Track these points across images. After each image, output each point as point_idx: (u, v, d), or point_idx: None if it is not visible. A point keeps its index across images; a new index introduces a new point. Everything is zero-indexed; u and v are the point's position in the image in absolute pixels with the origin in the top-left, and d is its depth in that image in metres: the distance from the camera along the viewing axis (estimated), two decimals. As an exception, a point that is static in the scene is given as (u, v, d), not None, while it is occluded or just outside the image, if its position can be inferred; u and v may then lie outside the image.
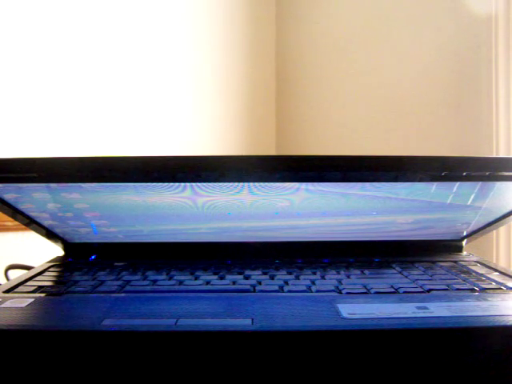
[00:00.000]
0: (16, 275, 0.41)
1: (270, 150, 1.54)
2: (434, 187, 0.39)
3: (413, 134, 1.05)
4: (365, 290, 0.34)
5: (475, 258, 0.45)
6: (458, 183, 0.38)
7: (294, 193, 0.39)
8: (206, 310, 0.30)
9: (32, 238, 0.51)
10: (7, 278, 0.52)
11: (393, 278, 0.38)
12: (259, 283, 0.36)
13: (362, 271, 0.40)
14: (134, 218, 0.42)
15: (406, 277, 0.38)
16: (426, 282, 0.36)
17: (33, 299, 0.32)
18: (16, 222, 0.43)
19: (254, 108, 1.52)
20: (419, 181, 0.38)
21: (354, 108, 1.24)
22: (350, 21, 1.26)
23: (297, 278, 0.38)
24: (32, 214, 0.41)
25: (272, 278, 0.38)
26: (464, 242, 0.47)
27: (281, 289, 0.35)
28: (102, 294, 0.34)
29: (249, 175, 0.37)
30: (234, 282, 0.36)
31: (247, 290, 0.35)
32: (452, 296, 0.33)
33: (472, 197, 0.40)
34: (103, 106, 1.24)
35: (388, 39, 1.13)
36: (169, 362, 0.27)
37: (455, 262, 0.43)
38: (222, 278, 0.38)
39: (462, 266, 0.42)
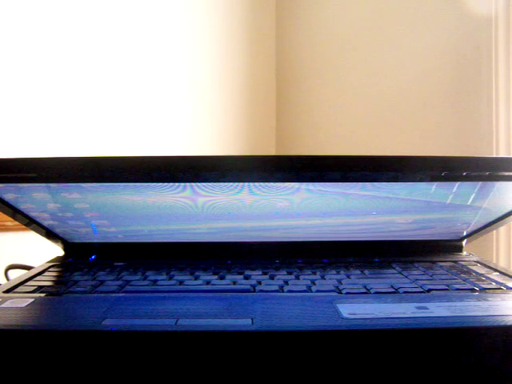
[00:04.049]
0: (16, 275, 0.41)
1: (270, 150, 1.54)
2: (433, 187, 0.39)
3: (413, 134, 1.05)
4: (365, 290, 0.34)
5: (475, 258, 0.45)
6: (458, 183, 0.38)
7: (293, 193, 0.39)
8: (205, 310, 0.30)
9: (32, 237, 0.51)
10: (7, 278, 0.52)
11: (393, 277, 0.38)
12: (259, 283, 0.36)
13: (362, 271, 0.40)
14: (134, 218, 0.42)
15: (406, 277, 0.38)
16: (426, 282, 0.36)
17: (33, 299, 0.32)
18: (16, 222, 0.43)
19: (254, 108, 1.52)
20: (419, 181, 0.38)
21: (353, 108, 1.24)
22: (349, 21, 1.26)
23: (297, 277, 0.38)
24: (32, 214, 0.41)
25: (272, 277, 0.38)
26: (464, 242, 0.47)
27: (281, 289, 0.35)
28: (102, 294, 0.34)
29: (249, 175, 0.37)
30: (234, 282, 0.36)
31: (247, 290, 0.35)
32: (452, 296, 0.33)
33: (472, 197, 0.40)
34: (103, 106, 1.24)
35: (388, 40, 1.13)
36: (169, 361, 0.27)
37: (455, 262, 0.43)
38: (222, 278, 0.38)
39: (462, 266, 0.42)
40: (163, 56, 1.35)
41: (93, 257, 0.45)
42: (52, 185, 0.38)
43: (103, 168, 0.36)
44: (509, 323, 0.28)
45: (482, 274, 0.39)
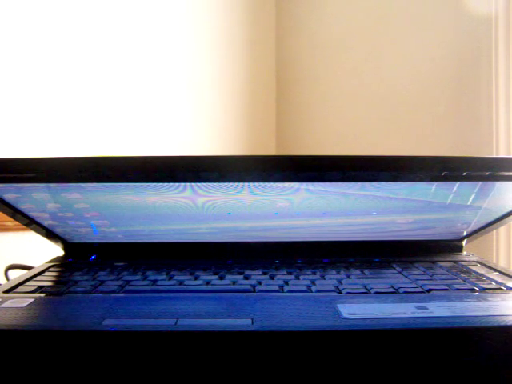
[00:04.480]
0: (16, 275, 0.41)
1: (270, 150, 1.54)
2: (433, 187, 0.39)
3: (413, 134, 1.05)
4: (365, 290, 0.34)
5: (475, 258, 0.45)
6: (458, 183, 0.38)
7: (293, 193, 0.39)
8: (205, 310, 0.30)
9: (32, 237, 0.51)
10: (7, 278, 0.52)
11: (393, 277, 0.38)
12: (259, 283, 0.36)
13: (362, 271, 0.40)
14: (134, 218, 0.42)
15: (406, 277, 0.38)
16: (426, 282, 0.36)
17: (33, 299, 0.32)
18: (16, 222, 0.43)
19: (254, 108, 1.52)
20: (419, 181, 0.38)
21: (353, 108, 1.24)
22: (350, 21, 1.26)
23: (297, 278, 0.38)
24: (32, 213, 0.41)
25: (272, 277, 0.38)
26: (464, 242, 0.47)
27: (281, 289, 0.35)
28: (102, 294, 0.34)
29: (249, 175, 0.37)
30: (234, 282, 0.36)
31: (247, 290, 0.35)
32: (452, 296, 0.33)
33: (472, 197, 0.40)
34: (103, 106, 1.24)
35: (387, 40, 1.13)
36: (169, 361, 0.27)
37: (455, 262, 0.43)
38: (221, 278, 0.38)
39: (462, 265, 0.42)
40: (163, 56, 1.35)
41: (93, 257, 0.45)
42: (52, 185, 0.38)
43: (103, 168, 0.36)
44: (509, 323, 0.28)
45: (482, 274, 0.39)
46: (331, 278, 0.38)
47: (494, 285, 0.36)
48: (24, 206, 0.41)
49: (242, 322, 0.28)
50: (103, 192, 0.39)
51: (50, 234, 0.45)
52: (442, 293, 0.34)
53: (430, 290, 0.34)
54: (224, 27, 1.46)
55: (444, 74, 0.98)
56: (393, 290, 0.34)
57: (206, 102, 1.42)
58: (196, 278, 0.38)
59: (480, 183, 0.38)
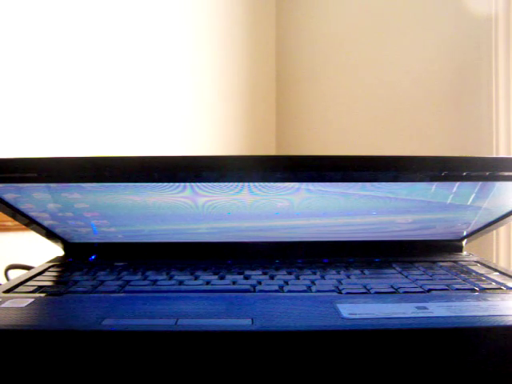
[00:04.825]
0: (16, 275, 0.41)
1: (270, 150, 1.54)
2: (433, 187, 0.39)
3: (413, 134, 1.05)
4: (365, 290, 0.34)
5: (475, 258, 0.45)
6: (458, 183, 0.38)
7: (293, 193, 0.39)
8: (206, 310, 0.30)
9: (32, 238, 0.51)
10: (7, 278, 0.52)
11: (393, 277, 0.38)
12: (259, 283, 0.36)
13: (362, 271, 0.40)
14: (134, 218, 0.42)
15: (406, 277, 0.38)
16: (425, 282, 0.36)
17: (33, 299, 0.32)
18: (16, 222, 0.43)
19: (254, 108, 1.52)
20: (419, 181, 0.38)
21: (354, 108, 1.24)
22: (350, 21, 1.26)
23: (297, 278, 0.38)
24: (32, 213, 0.41)
25: (272, 278, 0.38)
26: (464, 242, 0.47)
27: (281, 289, 0.35)
28: (102, 294, 0.34)
29: (249, 175, 0.37)
30: (234, 282, 0.36)
31: (247, 290, 0.35)
32: (452, 296, 0.33)
33: (472, 197, 0.40)
34: (103, 106, 1.24)
35: (388, 40, 1.13)
36: (169, 361, 0.27)
37: (455, 262, 0.43)
38: (222, 278, 0.38)
39: (462, 265, 0.42)
40: (163, 56, 1.35)
41: (93, 257, 0.45)
42: (52, 185, 0.38)
43: (103, 168, 0.36)
44: (509, 323, 0.28)
45: (482, 274, 0.39)
46: (331, 278, 0.38)
47: (493, 285, 0.36)
48: (24, 206, 0.41)
49: (242, 322, 0.28)
50: (103, 192, 0.39)
51: (49, 234, 0.45)
52: (442, 293, 0.34)
53: (429, 290, 0.34)
54: (224, 27, 1.46)
55: (444, 74, 0.98)
56: (393, 289, 0.34)
57: (206, 102, 1.42)
58: (196, 278, 0.38)
59: (480, 183, 0.38)
